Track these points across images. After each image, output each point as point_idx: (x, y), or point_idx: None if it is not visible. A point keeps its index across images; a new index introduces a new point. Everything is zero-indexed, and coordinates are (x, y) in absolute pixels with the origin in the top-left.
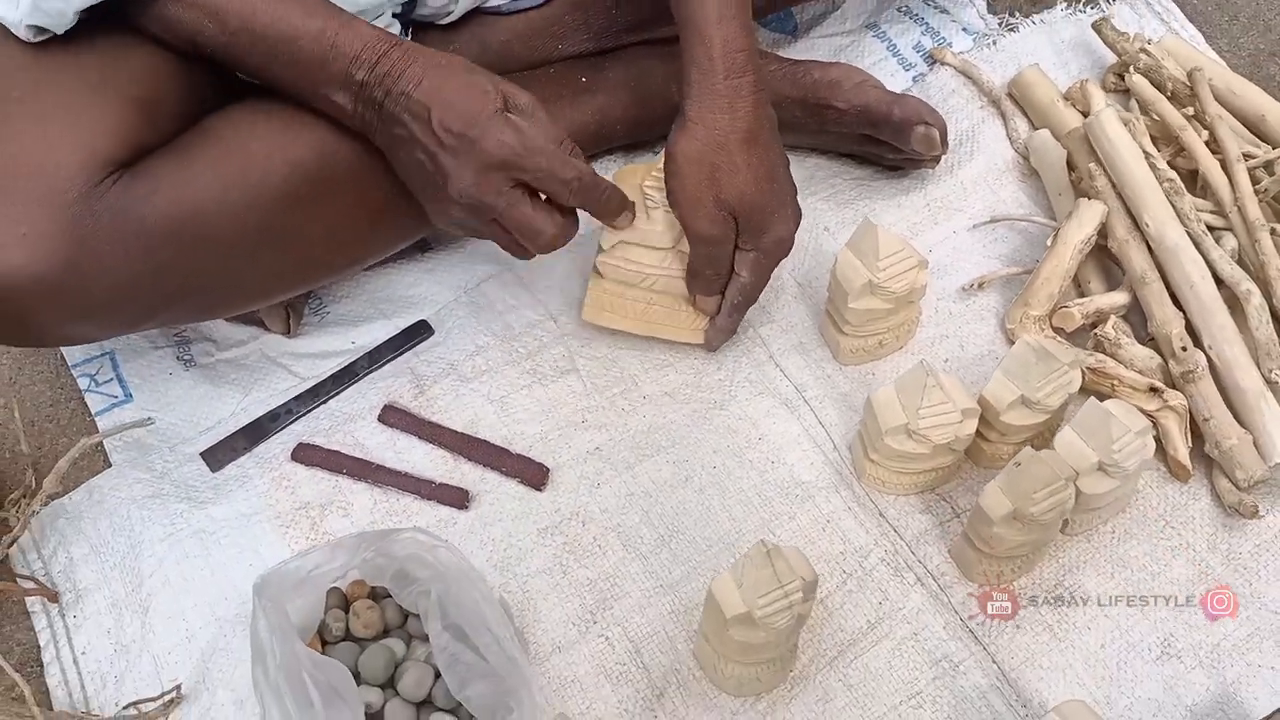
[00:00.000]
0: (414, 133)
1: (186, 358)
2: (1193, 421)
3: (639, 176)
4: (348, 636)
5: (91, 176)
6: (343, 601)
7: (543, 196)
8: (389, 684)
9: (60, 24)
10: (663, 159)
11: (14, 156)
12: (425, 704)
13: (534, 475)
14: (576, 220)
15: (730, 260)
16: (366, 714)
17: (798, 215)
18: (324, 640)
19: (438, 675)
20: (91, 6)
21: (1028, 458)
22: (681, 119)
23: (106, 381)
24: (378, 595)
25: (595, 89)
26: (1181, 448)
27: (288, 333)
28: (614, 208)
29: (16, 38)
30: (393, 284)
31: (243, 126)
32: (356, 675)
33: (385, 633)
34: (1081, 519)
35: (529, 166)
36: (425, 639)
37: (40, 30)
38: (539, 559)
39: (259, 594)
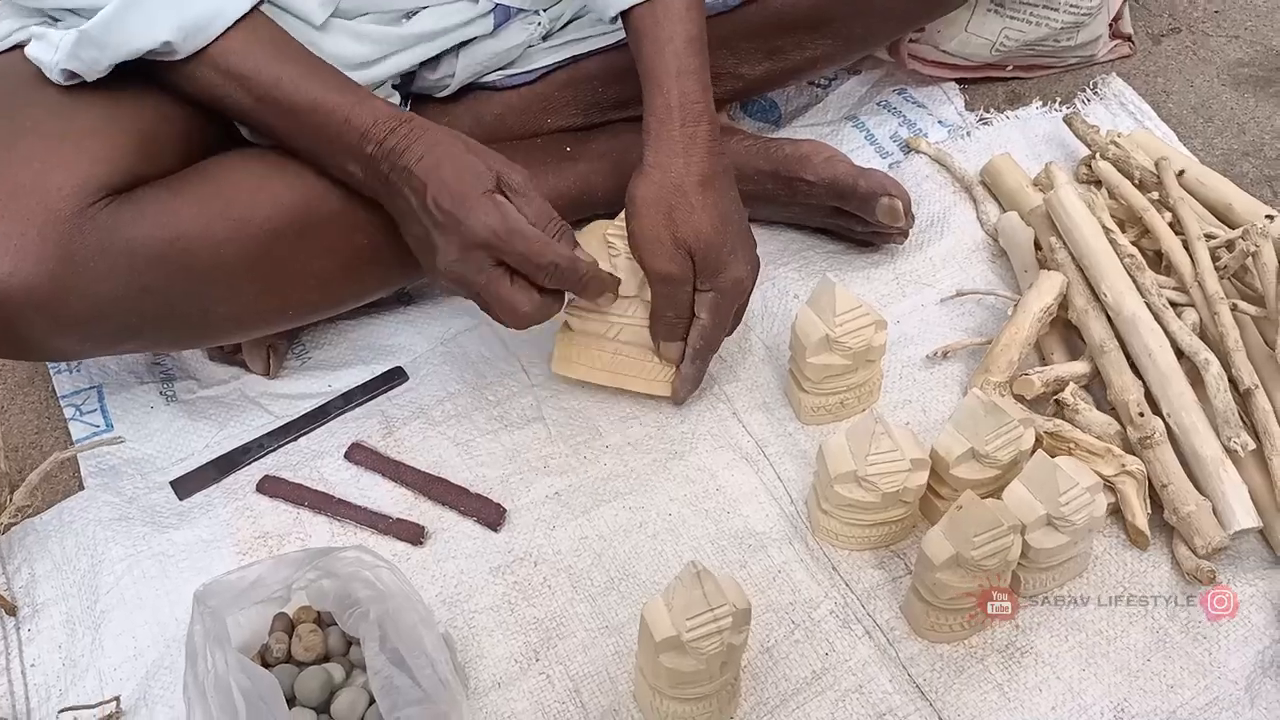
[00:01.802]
0: (412, 205)
1: (169, 393)
2: (1152, 490)
3: (604, 228)
4: (289, 659)
5: (85, 199)
6: (288, 625)
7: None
8: (324, 709)
9: (93, 72)
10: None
11: (17, 177)
12: None
13: (491, 515)
14: (559, 299)
15: (690, 303)
16: None
17: (754, 260)
18: (265, 662)
19: (372, 702)
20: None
21: (969, 501)
22: (640, 166)
23: (90, 412)
24: (323, 622)
25: (578, 158)
26: (1140, 514)
27: (268, 373)
28: (593, 290)
29: (35, 72)
30: (373, 333)
31: (234, 166)
32: (292, 698)
33: (326, 658)
34: (1035, 579)
35: (506, 250)
36: (365, 668)
37: (72, 75)
38: (488, 596)
39: (199, 601)
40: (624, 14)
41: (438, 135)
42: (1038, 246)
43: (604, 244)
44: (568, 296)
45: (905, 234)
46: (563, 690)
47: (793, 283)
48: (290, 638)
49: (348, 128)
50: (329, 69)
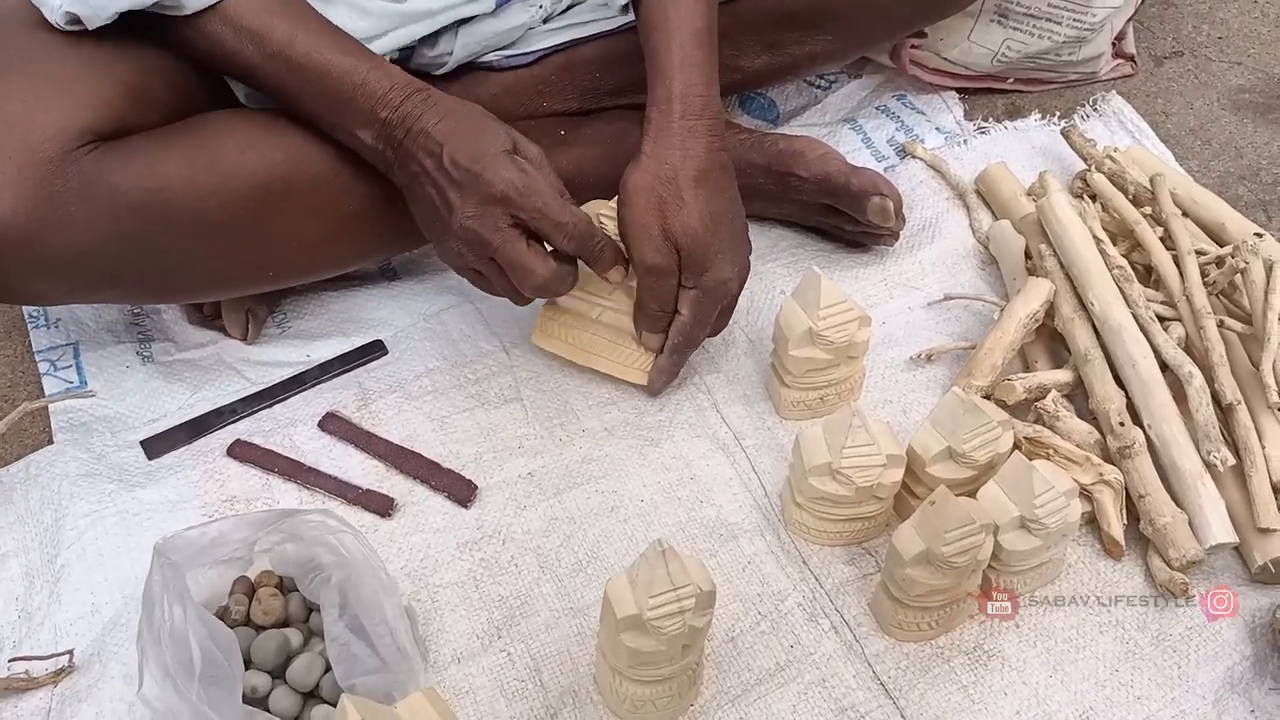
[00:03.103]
0: (426, 168)
1: (146, 354)
2: (1129, 500)
3: (598, 208)
4: (248, 623)
5: (70, 141)
6: (248, 588)
7: (545, 245)
8: (279, 674)
9: (97, 19)
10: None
11: (3, 116)
12: (312, 696)
13: (462, 492)
14: (573, 271)
15: (675, 296)
16: (252, 699)
17: (743, 263)
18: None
19: (328, 668)
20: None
21: (942, 496)
22: (638, 154)
23: (65, 368)
24: (285, 588)
25: (572, 142)
26: (1115, 524)
27: (246, 339)
28: (607, 259)
29: (36, 18)
30: (356, 305)
31: (224, 123)
32: (248, 660)
33: (286, 624)
34: (1006, 582)
35: (526, 205)
36: (324, 636)
37: (74, 20)
38: (453, 572)
39: (159, 554)
40: (634, 2)
41: (453, 103)
42: (1028, 256)
43: (596, 222)
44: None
45: (896, 236)
46: (523, 669)
47: (780, 278)
48: (250, 601)
49: (362, 92)
50: (343, 33)
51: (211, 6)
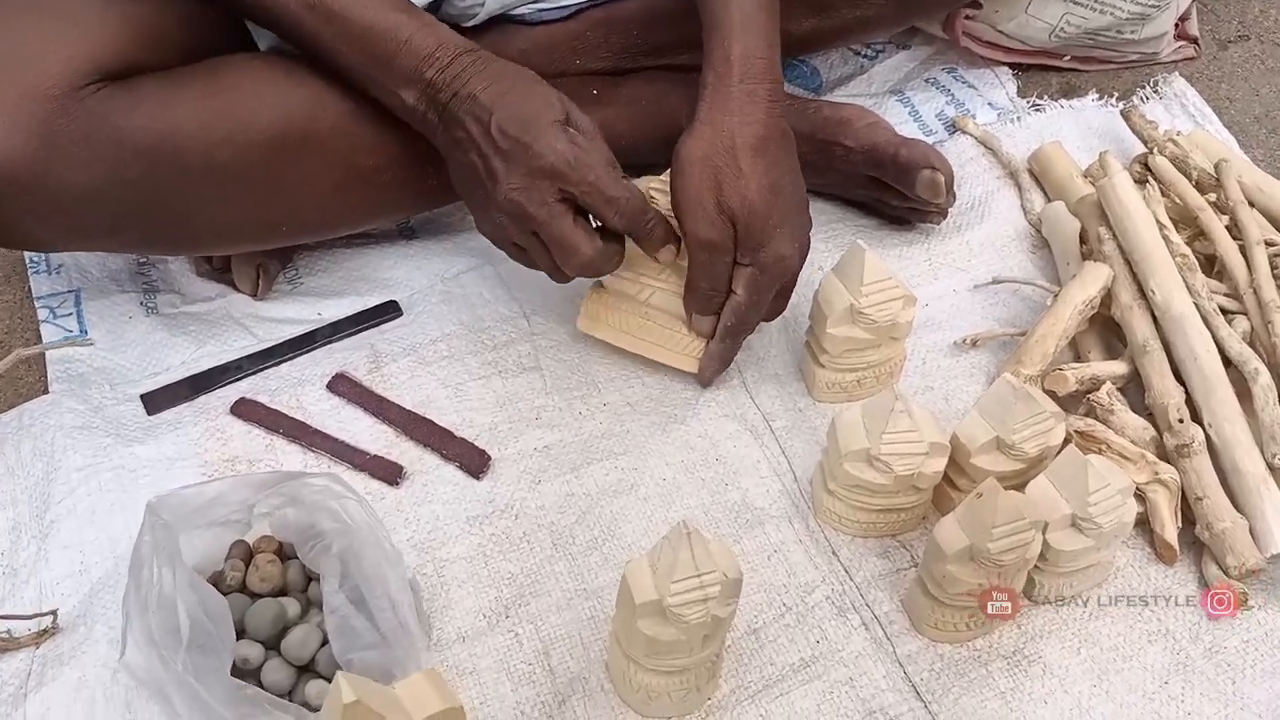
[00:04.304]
0: (472, 134)
1: (150, 305)
2: (1184, 502)
3: (649, 183)
4: (243, 590)
5: (76, 79)
6: (246, 553)
7: (591, 221)
8: (273, 645)
9: None
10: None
11: (9, 51)
12: (308, 669)
13: (474, 462)
14: (620, 250)
15: (729, 275)
16: (244, 671)
17: (803, 240)
18: (217, 589)
19: (326, 641)
20: None
21: (990, 489)
22: (691, 122)
23: (65, 316)
24: (284, 555)
25: (605, 102)
26: (1169, 526)
27: (256, 295)
28: (658, 237)
29: None
30: (371, 264)
31: (241, 67)
32: (242, 630)
33: (284, 592)
34: (1051, 583)
35: (577, 179)
36: (322, 607)
37: None
38: (462, 546)
39: (152, 512)
40: None
41: (505, 66)
42: (1082, 240)
43: (646, 198)
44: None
45: (944, 214)
46: (531, 651)
47: (818, 253)
48: (247, 567)
49: (407, 50)
50: None
51: None
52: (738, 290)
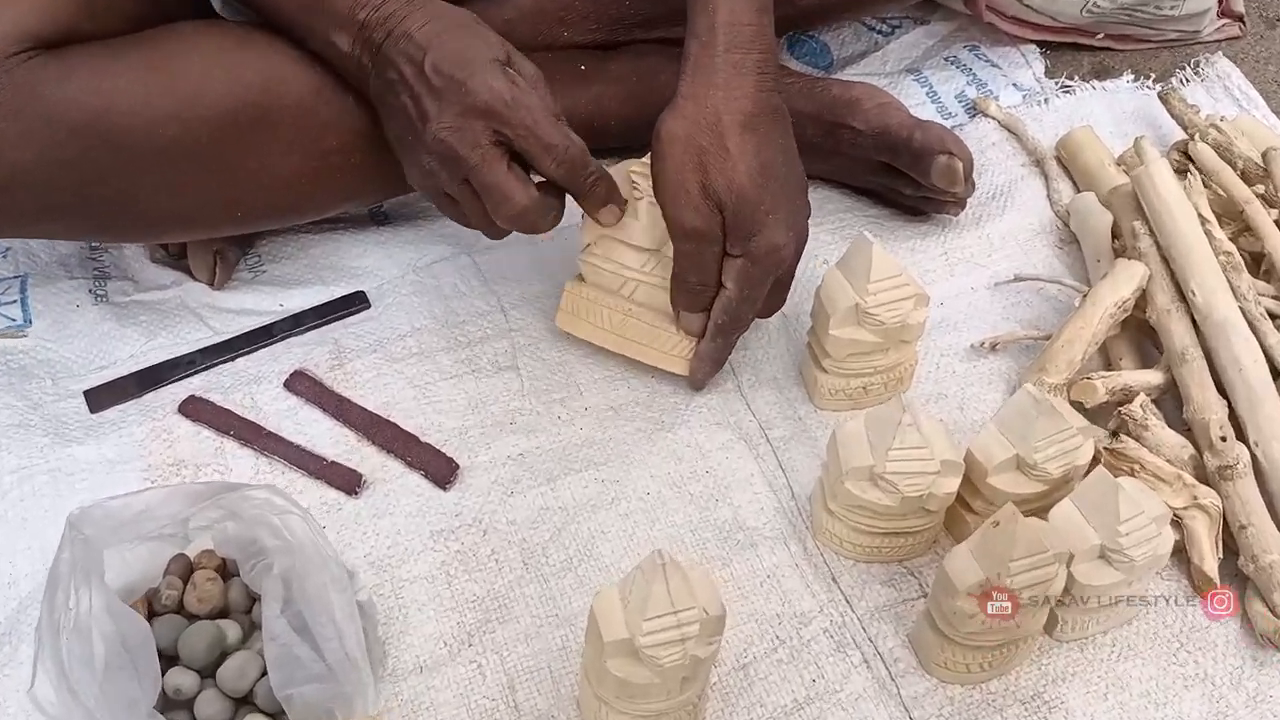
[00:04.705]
0: (405, 74)
1: (100, 292)
2: (1226, 530)
3: (630, 166)
4: (180, 610)
5: (7, 47)
6: (185, 570)
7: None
8: (210, 672)
9: None
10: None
11: None
12: (246, 702)
13: (440, 470)
14: (556, 205)
15: (718, 267)
16: (175, 702)
17: (799, 227)
18: (151, 609)
19: (266, 671)
20: None
21: (1008, 516)
22: (673, 98)
23: (9, 303)
24: (227, 572)
25: (594, 79)
26: (1209, 556)
27: (213, 283)
28: (600, 194)
29: None
30: (339, 251)
31: (188, 36)
32: (175, 656)
33: (225, 614)
34: (1075, 620)
35: (513, 120)
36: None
37: None
38: (424, 564)
39: (73, 526)
40: None
41: (443, 6)
42: (1115, 235)
43: (628, 183)
44: (586, 239)
45: (962, 204)
46: (495, 684)
47: (823, 246)
48: (185, 585)
49: None
50: None
51: None
52: (728, 284)
